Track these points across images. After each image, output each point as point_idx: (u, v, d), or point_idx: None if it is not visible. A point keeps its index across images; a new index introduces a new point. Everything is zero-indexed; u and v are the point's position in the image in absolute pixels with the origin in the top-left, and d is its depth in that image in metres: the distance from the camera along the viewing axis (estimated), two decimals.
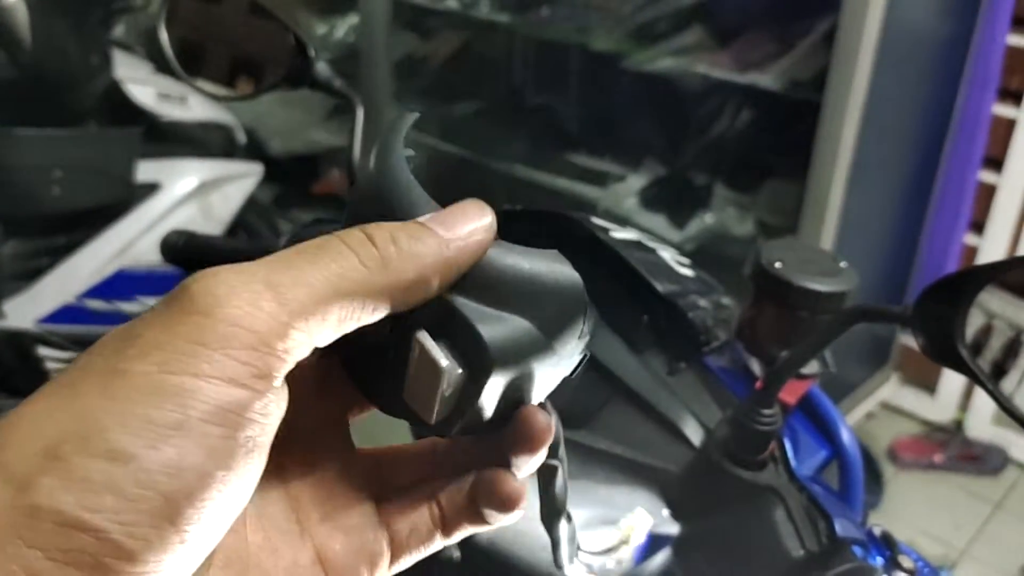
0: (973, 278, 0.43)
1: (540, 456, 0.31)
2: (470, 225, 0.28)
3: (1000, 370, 0.63)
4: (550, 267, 0.29)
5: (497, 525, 0.32)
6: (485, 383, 0.28)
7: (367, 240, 0.26)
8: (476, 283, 0.28)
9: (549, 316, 0.29)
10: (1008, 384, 0.59)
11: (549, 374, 0.30)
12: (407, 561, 0.32)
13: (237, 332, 0.23)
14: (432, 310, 0.28)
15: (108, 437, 0.22)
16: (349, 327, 0.26)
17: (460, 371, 0.28)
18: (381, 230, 0.27)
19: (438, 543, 0.32)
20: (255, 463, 0.24)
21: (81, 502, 0.21)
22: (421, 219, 0.28)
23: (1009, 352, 0.61)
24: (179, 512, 0.22)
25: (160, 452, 0.22)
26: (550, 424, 0.31)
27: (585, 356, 0.31)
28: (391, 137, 0.30)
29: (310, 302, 0.24)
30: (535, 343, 0.28)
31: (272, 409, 0.24)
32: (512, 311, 0.28)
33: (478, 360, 0.27)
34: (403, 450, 0.34)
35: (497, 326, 0.28)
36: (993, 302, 0.54)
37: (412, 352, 0.28)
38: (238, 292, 0.24)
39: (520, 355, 0.28)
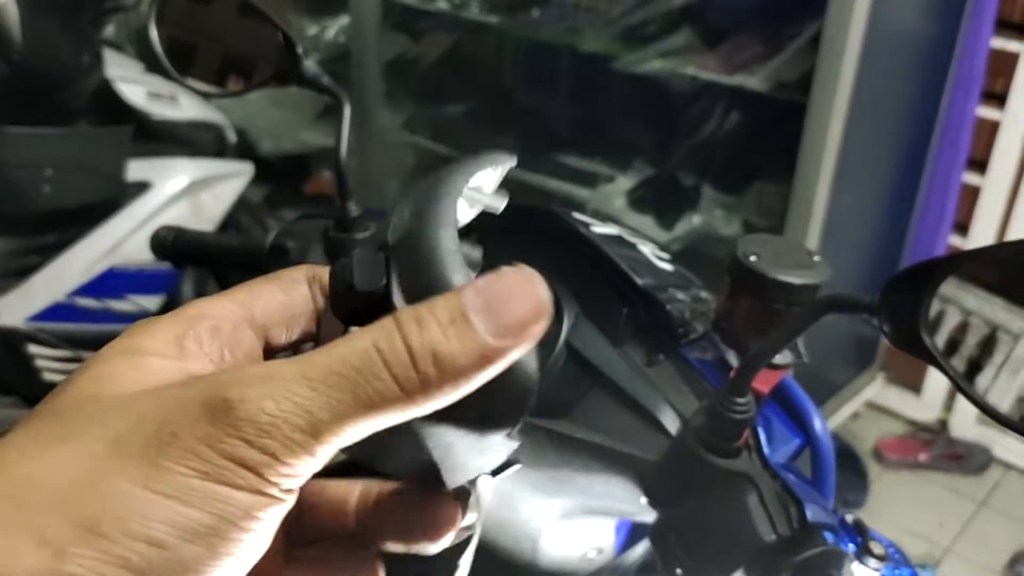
0: (936, 268, 0.44)
1: (443, 541, 0.32)
2: (525, 322, 0.26)
3: (976, 366, 0.65)
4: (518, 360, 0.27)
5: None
6: (406, 427, 0.27)
7: (409, 361, 0.25)
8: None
9: (492, 404, 0.28)
10: (984, 379, 0.61)
11: (468, 453, 0.29)
12: None
13: (271, 462, 0.25)
14: None
15: (151, 526, 0.24)
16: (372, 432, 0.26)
17: None
18: (422, 341, 0.25)
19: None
20: (254, 551, 0.26)
21: None
22: (467, 303, 0.26)
23: (985, 349, 0.62)
24: None
25: (194, 547, 0.24)
26: (454, 519, 0.32)
27: (512, 462, 0.31)
28: (446, 197, 0.29)
29: (341, 431, 0.25)
30: (466, 419, 0.28)
31: (286, 508, 0.26)
32: None
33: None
34: (320, 494, 0.34)
35: None
36: (969, 299, 0.56)
37: None
38: (279, 426, 0.25)
39: (444, 421, 0.27)
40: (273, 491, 0.25)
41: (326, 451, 0.26)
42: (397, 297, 0.28)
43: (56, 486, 0.24)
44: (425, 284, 0.27)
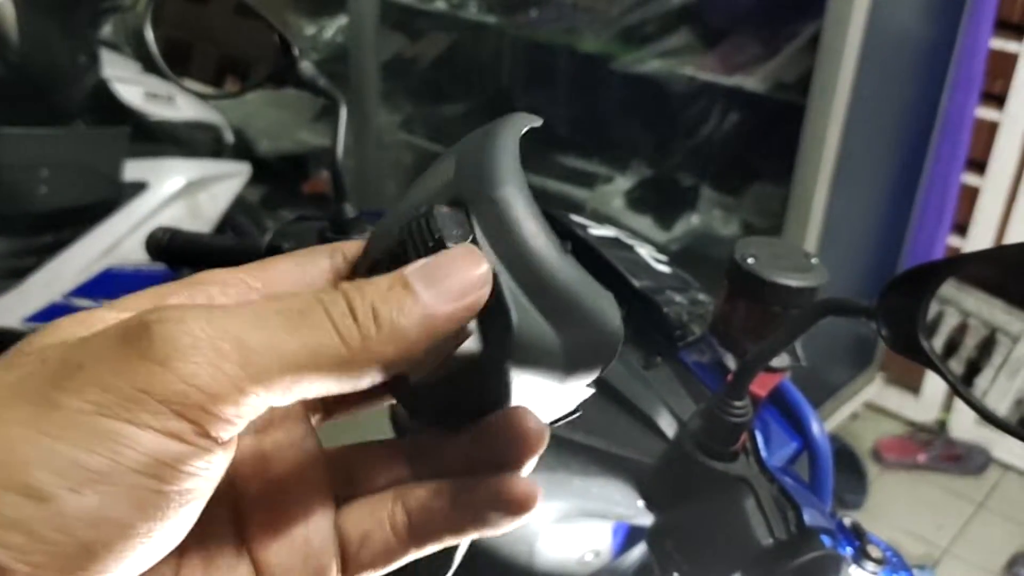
0: (935, 271, 0.44)
1: (531, 463, 0.28)
2: (461, 285, 0.25)
3: (975, 368, 0.65)
4: (604, 311, 0.27)
5: (495, 532, 0.29)
6: (494, 369, 0.27)
7: (348, 313, 0.24)
8: (535, 281, 0.27)
9: (579, 352, 0.27)
10: (983, 381, 0.60)
11: (543, 400, 0.29)
12: None
13: (189, 391, 0.22)
14: None
15: (29, 472, 0.21)
16: (317, 394, 0.24)
17: (478, 345, 0.27)
18: (363, 300, 0.24)
19: (404, 556, 0.29)
20: (187, 515, 0.23)
21: None
22: (408, 273, 0.25)
23: (984, 350, 0.62)
24: (94, 561, 0.21)
25: (83, 498, 0.21)
26: (543, 431, 0.28)
27: (577, 412, 0.30)
28: (512, 153, 0.28)
29: (277, 372, 0.23)
30: (553, 364, 0.27)
31: (216, 462, 0.23)
32: (551, 324, 0.27)
33: (499, 345, 0.27)
34: (373, 450, 0.31)
35: (532, 326, 0.27)
36: (968, 301, 0.55)
37: None
38: (202, 348, 0.22)
39: (534, 364, 0.27)
40: (189, 434, 0.22)
41: (260, 399, 0.23)
42: (488, 253, 0.27)
43: None
44: (516, 240, 0.27)
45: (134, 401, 0.21)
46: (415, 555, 0.29)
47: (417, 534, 0.29)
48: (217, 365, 0.22)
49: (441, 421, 0.29)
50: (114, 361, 0.22)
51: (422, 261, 0.26)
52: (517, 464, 0.28)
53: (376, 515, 0.29)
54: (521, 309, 0.27)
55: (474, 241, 0.27)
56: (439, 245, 0.26)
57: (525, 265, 0.27)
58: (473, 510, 0.28)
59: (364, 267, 0.29)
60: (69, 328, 0.25)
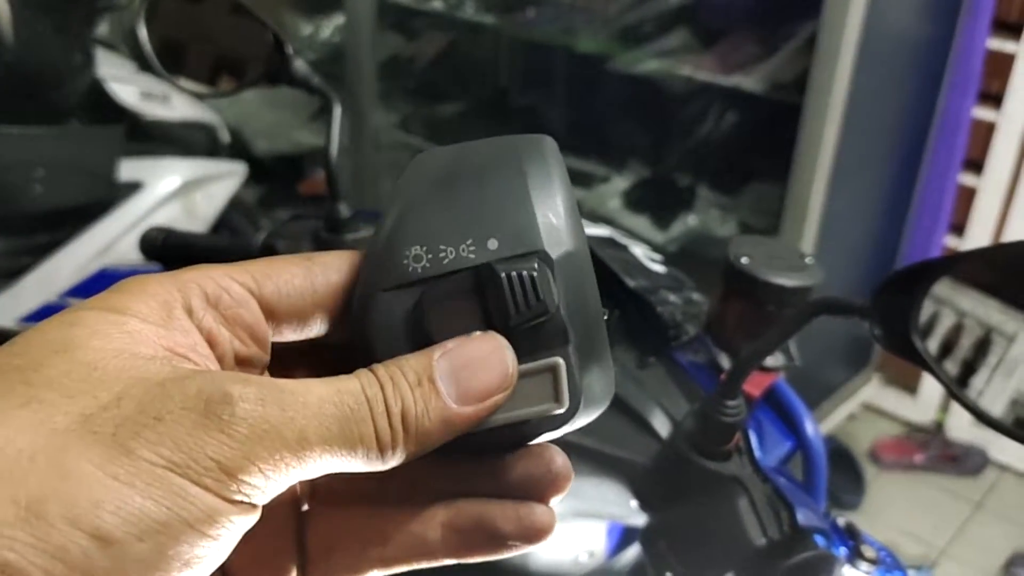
0: (928, 271, 0.44)
1: (556, 500, 0.30)
2: (486, 388, 0.27)
3: (971, 368, 0.64)
4: (611, 362, 0.29)
5: (507, 556, 0.30)
6: (562, 426, 0.28)
7: (385, 414, 0.25)
8: (589, 341, 0.28)
9: (592, 402, 0.29)
10: (978, 381, 0.60)
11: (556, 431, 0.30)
12: None
13: (252, 469, 0.23)
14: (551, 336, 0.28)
15: (101, 515, 0.21)
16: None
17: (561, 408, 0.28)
18: (396, 399, 0.26)
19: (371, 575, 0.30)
20: (214, 564, 0.24)
21: (50, 571, 0.21)
22: (436, 366, 0.26)
23: (978, 350, 0.62)
24: None
25: (143, 545, 0.22)
26: (570, 471, 0.29)
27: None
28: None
29: (321, 465, 0.25)
30: (579, 417, 0.29)
31: (251, 521, 0.25)
32: (586, 378, 0.28)
33: (572, 407, 0.28)
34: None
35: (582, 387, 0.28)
36: (963, 300, 0.55)
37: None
38: (271, 436, 0.24)
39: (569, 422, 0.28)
40: (241, 500, 0.24)
41: (298, 475, 0.25)
42: (563, 315, 0.28)
43: (3, 454, 0.21)
44: (592, 311, 0.28)
45: (203, 467, 0.23)
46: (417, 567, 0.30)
47: (389, 560, 0.29)
48: (279, 452, 0.24)
49: (458, 452, 0.29)
50: (192, 427, 0.23)
51: (451, 346, 0.27)
52: (542, 500, 0.29)
53: (351, 529, 0.30)
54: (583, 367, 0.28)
55: (557, 308, 0.27)
56: (540, 311, 0.27)
57: (588, 328, 0.28)
58: (490, 534, 0.29)
59: (389, 282, 0.28)
60: (99, 328, 0.25)
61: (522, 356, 0.27)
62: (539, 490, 0.29)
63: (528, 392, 0.28)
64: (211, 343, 0.27)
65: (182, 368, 0.25)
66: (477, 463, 0.29)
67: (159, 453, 0.22)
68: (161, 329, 0.26)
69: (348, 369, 0.28)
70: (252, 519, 0.25)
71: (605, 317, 0.29)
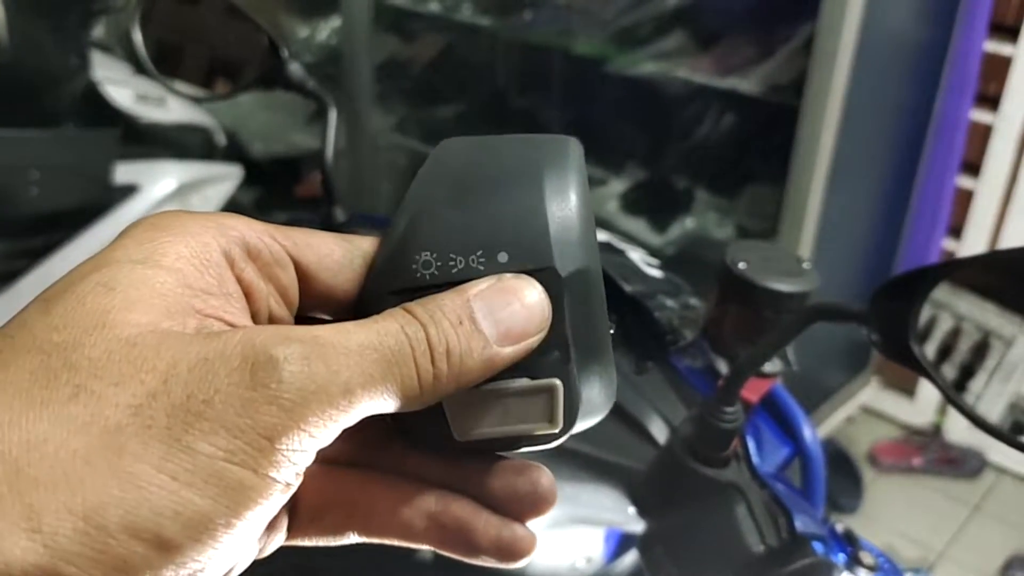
0: (925, 276, 0.43)
1: (536, 521, 0.30)
2: (524, 327, 0.26)
3: (968, 372, 0.64)
4: (614, 376, 0.30)
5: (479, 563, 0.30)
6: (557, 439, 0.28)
7: (427, 353, 0.25)
8: (593, 352, 0.28)
9: (590, 410, 0.29)
10: (976, 385, 0.60)
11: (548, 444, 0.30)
12: (309, 541, 0.30)
13: (303, 437, 0.23)
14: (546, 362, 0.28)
15: (162, 524, 0.21)
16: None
17: (556, 427, 0.28)
18: (439, 337, 0.25)
19: (348, 538, 0.30)
20: (255, 533, 0.24)
21: None
22: (473, 303, 0.26)
23: (976, 355, 0.62)
24: None
25: (204, 545, 0.22)
26: (555, 493, 0.30)
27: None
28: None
29: (366, 406, 0.24)
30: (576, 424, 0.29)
31: (287, 498, 0.24)
32: (586, 390, 0.29)
33: (566, 426, 0.28)
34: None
35: (581, 396, 0.28)
36: (961, 305, 0.55)
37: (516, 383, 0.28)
38: (320, 395, 0.23)
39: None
40: (291, 476, 0.23)
41: (342, 427, 0.24)
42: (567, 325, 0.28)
43: (57, 458, 0.21)
44: (599, 326, 0.28)
45: (258, 448, 0.22)
46: (358, 540, 0.30)
47: (373, 528, 0.30)
48: (326, 411, 0.23)
49: (449, 450, 0.29)
50: (242, 406, 0.22)
51: (485, 284, 0.27)
52: (521, 517, 0.29)
53: (338, 494, 0.29)
54: (583, 382, 0.28)
55: (562, 318, 0.27)
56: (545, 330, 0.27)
57: (593, 342, 0.28)
58: (468, 542, 0.29)
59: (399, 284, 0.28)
60: (136, 290, 0.24)
61: (523, 371, 0.27)
62: (520, 507, 0.29)
63: (524, 408, 0.28)
64: (248, 296, 0.27)
65: (221, 333, 0.24)
66: (467, 461, 0.30)
67: (215, 444, 0.22)
68: (197, 280, 0.25)
69: None
70: (297, 485, 0.24)
71: (612, 330, 0.29)
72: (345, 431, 0.25)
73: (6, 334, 0.23)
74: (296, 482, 0.24)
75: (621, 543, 0.68)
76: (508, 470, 0.29)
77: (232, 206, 1.80)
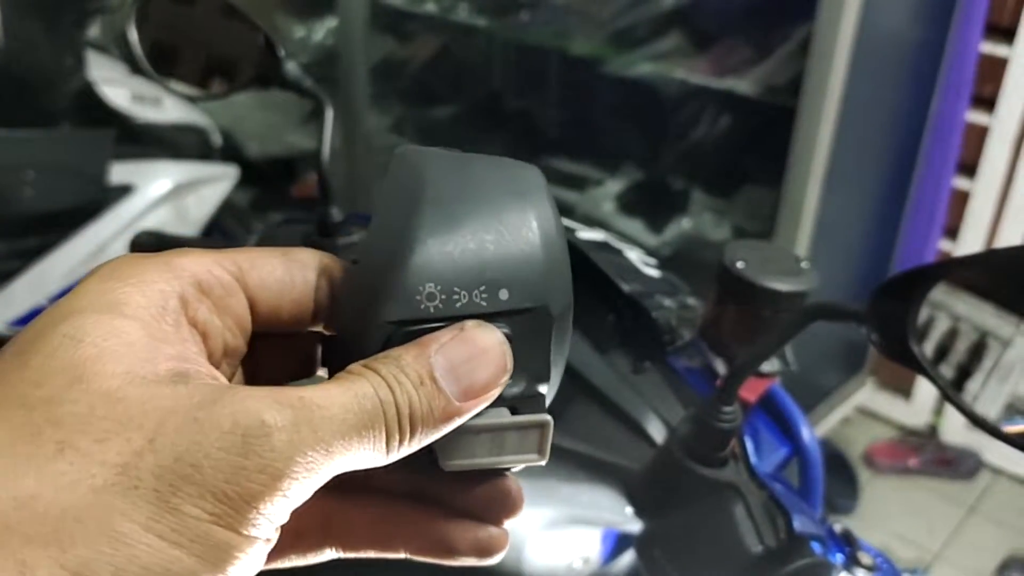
0: (924, 275, 0.43)
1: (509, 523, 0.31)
2: (485, 381, 0.27)
3: (966, 373, 0.64)
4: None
5: (452, 564, 0.31)
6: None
7: (396, 417, 0.26)
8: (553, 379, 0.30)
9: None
10: (973, 386, 0.60)
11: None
12: (287, 563, 0.31)
13: (286, 503, 0.24)
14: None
15: None
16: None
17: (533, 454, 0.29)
18: (403, 402, 0.26)
19: (327, 554, 0.31)
20: None
21: None
22: (434, 363, 0.27)
23: (974, 355, 0.62)
24: None
25: None
26: (523, 497, 0.31)
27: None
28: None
29: (339, 467, 0.25)
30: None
31: (268, 550, 0.25)
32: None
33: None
34: None
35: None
36: (958, 305, 0.55)
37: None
38: (304, 464, 0.24)
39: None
40: (272, 534, 0.24)
41: (318, 487, 0.25)
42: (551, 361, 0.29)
43: (48, 515, 0.21)
44: (565, 357, 0.30)
45: (244, 514, 0.23)
46: (334, 556, 0.31)
47: (348, 543, 0.31)
48: (307, 473, 0.24)
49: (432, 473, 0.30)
50: (232, 472, 0.23)
51: (445, 339, 0.27)
52: (497, 521, 0.31)
53: (313, 513, 0.30)
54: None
55: (547, 353, 0.29)
56: (537, 370, 0.29)
57: (560, 363, 0.29)
58: (447, 547, 0.30)
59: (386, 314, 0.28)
60: (105, 339, 0.24)
61: (504, 401, 0.28)
62: (493, 513, 0.30)
63: (515, 442, 0.29)
64: (205, 336, 0.27)
65: (205, 387, 0.24)
66: (439, 476, 0.30)
67: (202, 508, 0.22)
68: (156, 327, 0.25)
69: (314, 359, 0.31)
70: (276, 538, 0.25)
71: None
72: None
73: None
74: (275, 535, 0.25)
75: (618, 543, 0.68)
76: (476, 480, 0.30)
77: (228, 206, 1.80)
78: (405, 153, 0.30)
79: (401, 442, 0.26)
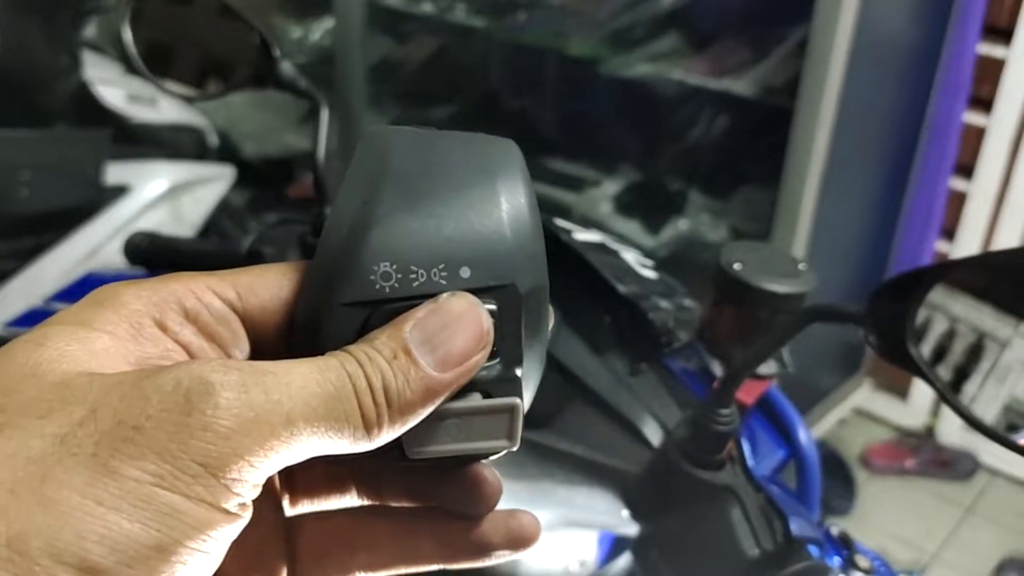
0: (923, 277, 0.43)
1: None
2: (463, 350, 0.26)
3: (963, 374, 0.64)
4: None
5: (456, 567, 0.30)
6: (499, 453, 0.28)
7: (367, 390, 0.25)
8: (536, 364, 0.28)
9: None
10: (971, 388, 0.60)
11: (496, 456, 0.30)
12: None
13: (243, 466, 0.22)
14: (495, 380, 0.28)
15: (86, 546, 0.21)
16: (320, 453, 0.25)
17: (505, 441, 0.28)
18: (376, 375, 0.25)
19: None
20: (216, 562, 0.24)
21: None
22: (407, 337, 0.25)
23: (971, 356, 0.61)
24: None
25: (133, 572, 0.21)
26: (501, 486, 0.30)
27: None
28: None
29: (306, 449, 0.24)
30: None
31: (241, 525, 0.24)
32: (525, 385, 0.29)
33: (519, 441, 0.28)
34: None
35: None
36: (956, 306, 0.55)
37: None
38: (259, 424, 0.23)
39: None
40: (232, 505, 0.23)
41: (285, 459, 0.23)
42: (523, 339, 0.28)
43: None
44: (543, 341, 0.29)
45: (191, 474, 0.22)
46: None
47: (420, 556, 0.30)
48: (266, 440, 0.23)
49: (408, 469, 0.29)
50: (175, 430, 0.22)
51: (422, 312, 0.26)
52: (477, 516, 0.29)
53: (336, 532, 0.30)
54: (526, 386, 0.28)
55: (518, 335, 0.27)
56: (507, 352, 0.28)
57: (535, 357, 0.28)
58: (477, 546, 0.30)
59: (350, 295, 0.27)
60: (68, 344, 0.24)
61: (474, 387, 0.27)
62: (473, 505, 0.30)
63: (483, 427, 0.27)
64: (190, 354, 0.27)
65: (157, 367, 0.24)
66: (427, 477, 0.30)
67: (143, 468, 0.21)
68: (130, 343, 0.25)
69: None
70: (244, 521, 0.24)
71: (548, 336, 0.29)
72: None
73: None
74: (243, 514, 0.23)
75: (615, 546, 0.67)
76: (448, 473, 0.30)
77: (224, 207, 1.79)
78: (372, 132, 0.29)
79: (380, 421, 0.25)
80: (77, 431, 0.22)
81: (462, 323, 0.26)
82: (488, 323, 0.26)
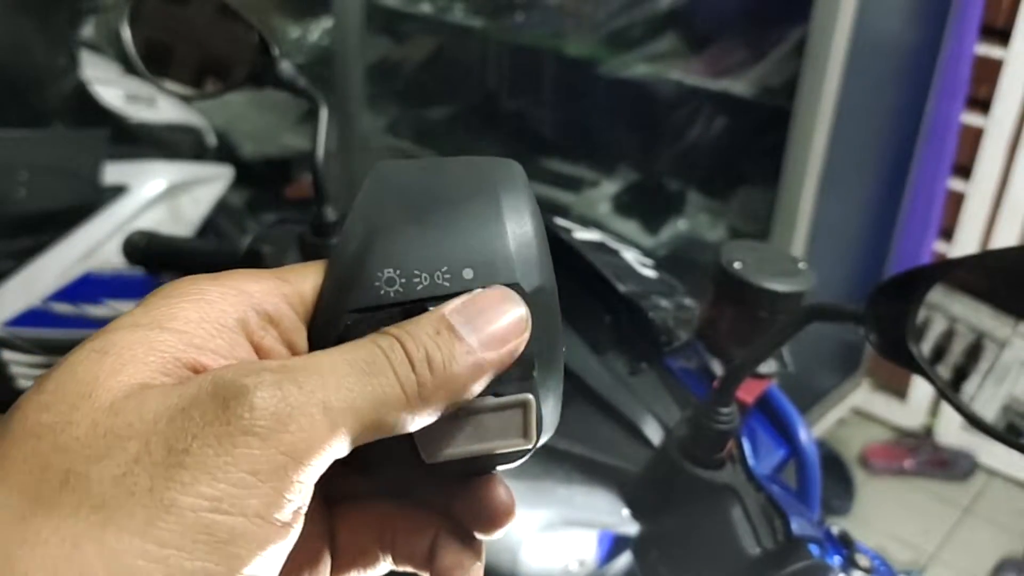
0: (923, 276, 0.43)
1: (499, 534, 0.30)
2: (504, 331, 0.26)
3: (962, 374, 0.64)
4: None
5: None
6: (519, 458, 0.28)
7: (406, 360, 0.25)
8: (551, 365, 0.28)
9: (548, 420, 0.29)
10: (970, 387, 0.60)
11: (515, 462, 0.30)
12: None
13: (288, 464, 0.22)
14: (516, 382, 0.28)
15: None
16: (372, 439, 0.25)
17: (526, 443, 0.28)
18: (417, 346, 0.25)
19: (383, 567, 0.30)
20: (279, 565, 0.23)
21: None
22: (449, 315, 0.26)
23: (970, 356, 0.61)
24: None
25: None
26: (513, 504, 0.29)
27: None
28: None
29: (353, 432, 0.24)
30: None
31: (291, 543, 0.23)
32: (544, 402, 0.28)
33: (536, 441, 0.28)
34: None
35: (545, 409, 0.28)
36: (955, 306, 0.55)
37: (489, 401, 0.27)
38: (297, 417, 0.22)
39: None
40: (286, 514, 0.22)
41: (336, 451, 0.23)
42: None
43: (48, 548, 0.20)
44: (555, 345, 0.29)
45: (244, 487, 0.21)
46: (392, 568, 0.30)
47: (398, 554, 0.30)
48: (310, 432, 0.22)
49: (425, 474, 0.29)
50: (218, 442, 0.22)
51: (459, 301, 0.26)
52: (487, 531, 0.29)
53: (370, 527, 0.30)
54: (543, 397, 0.28)
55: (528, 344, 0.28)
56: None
57: (549, 361, 0.28)
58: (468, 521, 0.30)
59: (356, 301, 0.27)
60: (86, 365, 0.24)
61: (488, 389, 0.27)
62: (488, 520, 0.29)
63: (496, 425, 0.27)
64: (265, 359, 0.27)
65: (194, 377, 0.24)
66: (443, 491, 0.30)
67: (198, 494, 0.21)
68: (200, 346, 0.25)
69: None
70: (297, 531, 0.23)
71: (563, 349, 0.29)
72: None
73: (3, 419, 0.23)
74: (296, 522, 0.23)
75: (615, 545, 0.67)
76: (464, 485, 0.30)
77: (222, 207, 1.79)
78: (380, 165, 0.30)
79: (423, 388, 0.24)
80: (134, 468, 0.21)
81: (501, 307, 0.26)
82: (527, 313, 0.27)
